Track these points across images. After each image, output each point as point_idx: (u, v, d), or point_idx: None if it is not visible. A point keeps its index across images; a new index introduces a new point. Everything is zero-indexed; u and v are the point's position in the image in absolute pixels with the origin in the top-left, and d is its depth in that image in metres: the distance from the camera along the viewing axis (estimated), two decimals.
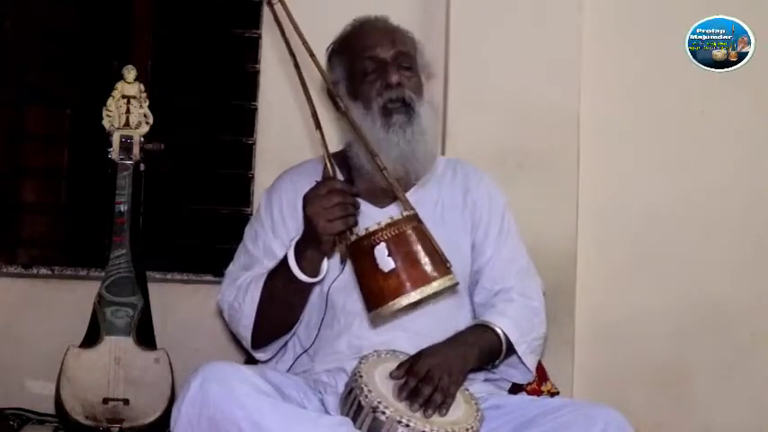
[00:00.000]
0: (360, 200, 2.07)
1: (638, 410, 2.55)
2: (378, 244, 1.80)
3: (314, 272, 1.97)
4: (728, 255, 2.88)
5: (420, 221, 1.85)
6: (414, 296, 1.78)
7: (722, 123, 2.89)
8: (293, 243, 1.98)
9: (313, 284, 2.01)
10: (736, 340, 2.88)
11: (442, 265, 1.81)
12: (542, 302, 2.22)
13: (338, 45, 2.22)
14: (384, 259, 1.79)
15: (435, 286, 1.79)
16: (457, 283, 1.85)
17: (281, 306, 2.06)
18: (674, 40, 2.86)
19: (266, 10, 2.93)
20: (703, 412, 2.87)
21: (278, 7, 1.99)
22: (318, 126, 1.93)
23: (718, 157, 2.89)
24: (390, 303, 1.79)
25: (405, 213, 1.85)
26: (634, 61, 2.89)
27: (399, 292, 1.78)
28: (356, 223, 1.89)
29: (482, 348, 2.05)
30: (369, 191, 2.13)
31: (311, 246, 1.93)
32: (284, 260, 1.98)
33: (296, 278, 1.96)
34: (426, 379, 1.88)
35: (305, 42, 1.94)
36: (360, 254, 1.83)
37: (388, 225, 1.81)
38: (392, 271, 1.79)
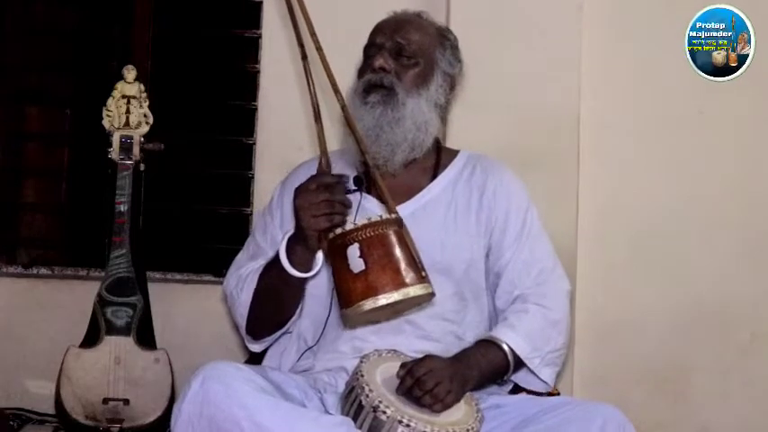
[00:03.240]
0: (370, 197, 2.09)
1: (638, 410, 2.55)
2: (351, 244, 1.79)
3: (305, 267, 1.96)
4: (728, 255, 2.88)
5: (402, 226, 1.83)
6: (380, 300, 1.75)
7: (722, 123, 2.89)
8: (286, 236, 1.97)
9: (305, 279, 2.00)
10: (736, 340, 2.88)
11: (416, 272, 1.78)
12: (565, 311, 2.16)
13: None
14: (355, 260, 1.77)
15: (404, 293, 1.76)
16: (431, 294, 1.81)
17: (274, 299, 2.06)
18: (673, 40, 2.85)
19: (267, 8, 2.96)
20: (703, 412, 2.87)
21: (297, 10, 1.96)
22: (318, 119, 1.92)
23: (718, 157, 2.89)
24: (356, 305, 1.77)
25: (385, 216, 1.82)
26: (634, 61, 2.89)
27: (366, 294, 1.76)
28: (343, 222, 1.87)
29: (483, 370, 2.01)
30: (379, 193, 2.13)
31: (299, 240, 1.93)
32: (278, 253, 1.98)
33: (287, 272, 1.96)
34: (420, 382, 1.87)
35: (314, 35, 1.93)
36: (335, 252, 1.82)
37: (365, 226, 1.79)
38: (361, 272, 1.76)
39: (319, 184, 1.88)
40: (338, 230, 1.82)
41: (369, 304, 1.76)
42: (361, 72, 2.16)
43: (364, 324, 2.05)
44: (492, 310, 2.19)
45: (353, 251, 1.78)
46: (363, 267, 1.76)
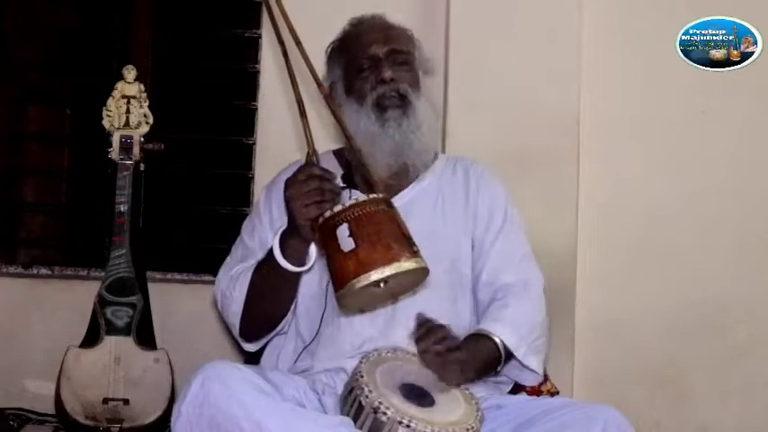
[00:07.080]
0: (359, 193, 2.08)
1: (638, 409, 2.55)
2: (340, 224, 1.78)
3: (298, 261, 1.96)
4: (728, 255, 2.88)
5: (390, 205, 1.83)
6: (372, 276, 1.74)
7: (723, 123, 2.89)
8: (279, 231, 1.98)
9: (299, 275, 2.01)
10: (735, 340, 2.88)
11: (407, 247, 1.78)
12: (542, 298, 2.19)
13: (336, 46, 2.25)
14: (345, 239, 1.77)
15: (396, 267, 1.75)
16: (425, 268, 1.81)
17: (269, 295, 2.06)
18: (673, 40, 2.86)
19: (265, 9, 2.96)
20: (702, 411, 2.88)
21: (274, 7, 2.00)
22: (303, 114, 1.94)
23: (719, 157, 2.89)
24: (348, 285, 1.75)
25: (371, 195, 1.83)
26: (634, 61, 2.89)
27: (358, 272, 1.75)
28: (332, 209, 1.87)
29: (479, 361, 2.03)
30: (366, 184, 2.12)
31: (293, 232, 1.93)
32: (271, 249, 1.98)
33: (281, 267, 1.96)
34: (438, 340, 1.93)
35: (299, 44, 1.97)
36: (325, 235, 1.82)
37: (353, 206, 1.79)
38: (352, 251, 1.76)
39: (308, 174, 1.89)
40: (327, 213, 1.82)
41: (362, 281, 1.74)
42: (360, 87, 2.15)
43: (360, 311, 2.04)
44: (474, 305, 2.21)
45: (343, 231, 1.77)
46: (353, 246, 1.75)
